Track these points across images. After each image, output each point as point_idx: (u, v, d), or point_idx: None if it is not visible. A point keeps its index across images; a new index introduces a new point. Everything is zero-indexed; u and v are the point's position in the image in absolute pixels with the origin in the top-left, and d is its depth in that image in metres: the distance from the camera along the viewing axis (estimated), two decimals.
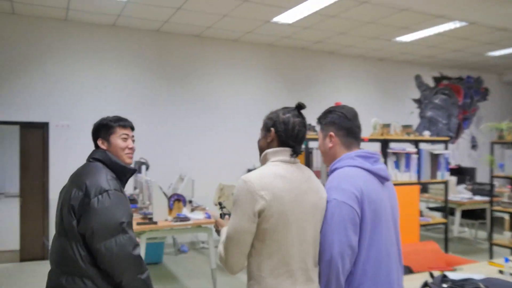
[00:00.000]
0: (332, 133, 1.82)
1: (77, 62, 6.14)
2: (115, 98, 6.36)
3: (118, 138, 2.06)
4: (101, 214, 1.81)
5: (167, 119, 6.62)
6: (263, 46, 7.42)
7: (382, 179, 1.77)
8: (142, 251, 3.95)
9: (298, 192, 1.64)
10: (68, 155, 5.90)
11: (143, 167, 5.74)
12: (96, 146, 2.09)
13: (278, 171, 1.65)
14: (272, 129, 1.72)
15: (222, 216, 1.97)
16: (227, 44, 7.13)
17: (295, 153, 1.71)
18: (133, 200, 5.45)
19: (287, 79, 7.65)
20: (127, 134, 2.11)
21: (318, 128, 1.93)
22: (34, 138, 5.95)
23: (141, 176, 5.25)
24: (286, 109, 1.75)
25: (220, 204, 2.15)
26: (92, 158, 2.04)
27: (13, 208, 6.00)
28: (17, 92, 5.79)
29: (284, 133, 1.70)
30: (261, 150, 1.77)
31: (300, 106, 1.75)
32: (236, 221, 1.60)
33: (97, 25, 6.23)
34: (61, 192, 2.02)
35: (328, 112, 1.86)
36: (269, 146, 1.74)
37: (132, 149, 2.10)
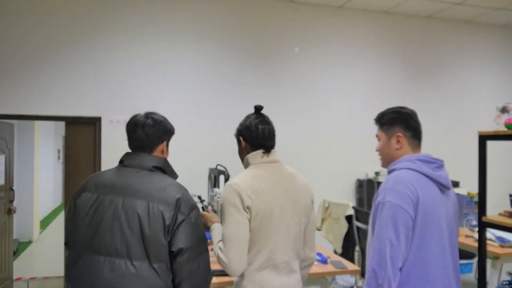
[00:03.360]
0: (400, 134, 1.78)
1: (133, 46, 4.70)
2: (180, 90, 4.85)
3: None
4: (195, 230, 1.67)
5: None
6: (375, 13, 5.52)
7: (443, 186, 1.72)
8: None
9: (280, 190, 1.79)
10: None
11: (221, 178, 4.15)
12: (150, 146, 1.80)
13: (259, 173, 1.80)
14: (240, 137, 1.90)
15: (204, 208, 2.07)
16: (328, 12, 5.34)
17: (267, 150, 1.86)
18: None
19: (411, 61, 5.68)
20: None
21: (379, 128, 1.86)
22: (83, 135, 4.62)
23: (218, 192, 3.64)
24: (247, 116, 1.92)
25: (199, 197, 2.27)
26: (154, 166, 1.76)
27: None
28: (62, 82, 4.47)
29: (250, 137, 1.86)
30: (241, 159, 1.94)
31: (257, 109, 1.93)
32: (232, 220, 1.69)
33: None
34: (94, 206, 1.68)
35: (391, 111, 1.84)
36: (245, 154, 1.89)
37: None
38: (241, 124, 1.91)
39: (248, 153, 1.88)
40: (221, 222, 1.78)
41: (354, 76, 5.45)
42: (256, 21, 5.09)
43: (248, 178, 1.77)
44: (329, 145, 5.18)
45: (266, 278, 1.73)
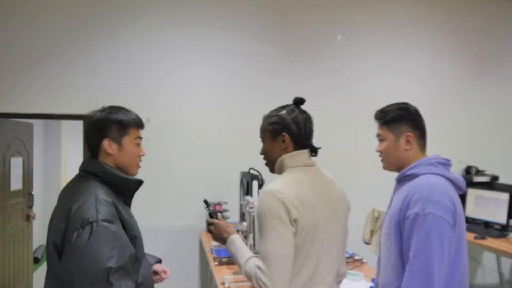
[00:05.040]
0: (410, 134, 1.65)
1: (154, 37, 4.24)
2: (208, 84, 4.35)
3: (132, 143, 1.58)
4: (79, 255, 1.33)
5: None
6: None
7: (459, 190, 1.63)
8: None
9: (324, 200, 1.56)
10: (149, 157, 4.01)
11: (254, 183, 3.61)
12: (94, 147, 1.56)
13: (302, 178, 1.55)
14: (285, 133, 1.60)
15: (213, 215, 1.72)
16: None
17: (314, 151, 1.64)
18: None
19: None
20: (140, 138, 1.63)
21: (382, 126, 1.70)
22: None
23: (250, 201, 3.09)
24: (285, 108, 1.65)
25: (206, 202, 1.86)
26: (84, 170, 1.55)
27: None
28: (79, 79, 4.07)
29: (298, 134, 1.60)
30: (274, 161, 1.63)
31: (299, 101, 1.65)
32: (276, 235, 1.43)
33: None
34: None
35: (398, 108, 1.69)
36: (283, 153, 1.61)
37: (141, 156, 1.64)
38: (283, 117, 1.61)
39: (286, 153, 1.60)
40: (259, 237, 1.49)
41: (405, 68, 4.77)
42: (293, 4, 4.52)
43: (291, 184, 1.50)
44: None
45: None
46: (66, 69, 4.03)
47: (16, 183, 4.37)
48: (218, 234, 1.65)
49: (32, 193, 4.68)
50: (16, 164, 4.37)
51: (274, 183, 1.52)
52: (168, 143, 4.21)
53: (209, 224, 1.69)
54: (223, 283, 2.55)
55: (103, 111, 1.59)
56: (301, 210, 1.46)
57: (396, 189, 1.74)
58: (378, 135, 1.75)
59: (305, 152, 1.61)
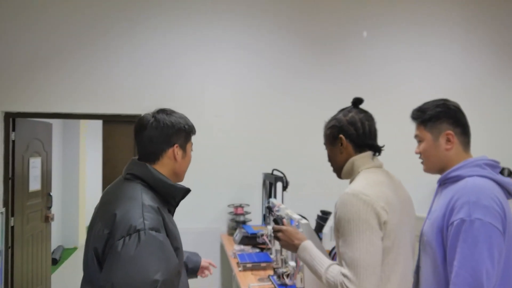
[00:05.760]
0: (450, 132, 1.52)
1: (173, 35, 4.13)
2: (229, 82, 4.22)
3: (190, 149, 1.58)
4: (125, 265, 1.23)
5: (315, 110, 4.27)
6: None
7: (510, 195, 1.48)
8: None
9: (400, 201, 1.47)
10: None
11: (278, 185, 3.46)
12: (156, 152, 1.47)
13: (380, 179, 1.47)
14: (341, 135, 1.54)
15: (278, 221, 1.69)
16: None
17: (377, 151, 1.56)
18: (262, 246, 3.23)
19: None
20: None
21: (419, 126, 1.58)
22: (122, 136, 4.12)
23: (276, 204, 2.94)
24: (343, 110, 1.59)
25: (269, 207, 1.86)
26: (129, 173, 1.46)
27: None
28: (98, 77, 3.99)
29: (355, 135, 1.53)
30: (339, 166, 1.57)
31: (357, 102, 1.59)
32: (366, 241, 1.33)
33: None
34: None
35: (435, 105, 1.56)
36: (345, 158, 1.55)
37: None
38: (339, 119, 1.56)
39: (349, 155, 1.54)
40: (343, 243, 1.39)
41: (435, 67, 4.57)
42: (316, 0, 4.36)
43: (373, 185, 1.42)
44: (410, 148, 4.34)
45: None
46: (85, 68, 3.95)
47: (34, 184, 4.31)
48: (288, 241, 1.56)
49: (51, 193, 4.62)
50: (35, 165, 4.31)
51: (354, 184, 1.44)
52: (206, 144, 4.10)
53: (276, 231, 1.61)
54: None
55: (162, 113, 1.52)
56: (389, 212, 1.39)
57: (437, 193, 1.60)
58: (416, 136, 1.62)
59: (370, 154, 1.56)
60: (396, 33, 4.50)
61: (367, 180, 1.45)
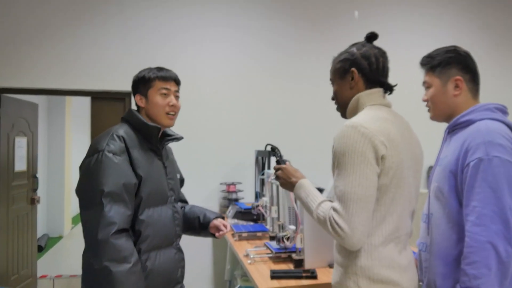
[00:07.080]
0: (459, 77, 1.50)
1: (166, 14, 4.06)
2: (220, 61, 4.16)
3: (157, 94, 1.75)
4: (83, 177, 1.59)
5: (306, 88, 4.25)
6: None
7: None
8: None
9: (406, 142, 1.39)
10: None
11: (272, 160, 3.43)
12: (136, 104, 1.81)
13: (385, 115, 1.38)
14: (353, 69, 1.45)
15: (281, 162, 1.66)
16: None
17: (389, 90, 1.47)
18: (256, 218, 3.19)
19: None
20: (167, 89, 1.76)
21: (428, 72, 1.57)
22: (111, 113, 4.03)
23: (271, 175, 2.90)
24: (356, 44, 1.51)
25: (273, 149, 1.84)
26: (122, 118, 1.78)
27: None
28: (85, 51, 3.89)
29: (368, 69, 1.44)
30: (346, 102, 1.48)
31: (371, 37, 1.51)
32: (359, 174, 1.26)
33: None
34: None
35: (446, 51, 1.54)
36: (353, 94, 1.46)
37: (174, 106, 1.76)
38: (352, 52, 1.47)
39: (358, 92, 1.45)
40: (336, 177, 1.32)
41: (426, 44, 4.59)
42: None
43: (376, 120, 1.33)
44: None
45: (394, 255, 1.33)
46: (72, 43, 3.85)
47: (20, 164, 4.19)
48: (286, 179, 1.52)
49: (37, 175, 4.50)
50: (21, 144, 4.19)
51: (356, 117, 1.36)
52: (181, 121, 4.03)
53: (276, 170, 1.58)
54: (247, 255, 2.37)
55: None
56: (388, 147, 1.30)
57: (445, 140, 1.57)
58: (424, 83, 1.60)
59: (380, 91, 1.46)
60: (386, 13, 4.51)
61: (369, 115, 1.36)
